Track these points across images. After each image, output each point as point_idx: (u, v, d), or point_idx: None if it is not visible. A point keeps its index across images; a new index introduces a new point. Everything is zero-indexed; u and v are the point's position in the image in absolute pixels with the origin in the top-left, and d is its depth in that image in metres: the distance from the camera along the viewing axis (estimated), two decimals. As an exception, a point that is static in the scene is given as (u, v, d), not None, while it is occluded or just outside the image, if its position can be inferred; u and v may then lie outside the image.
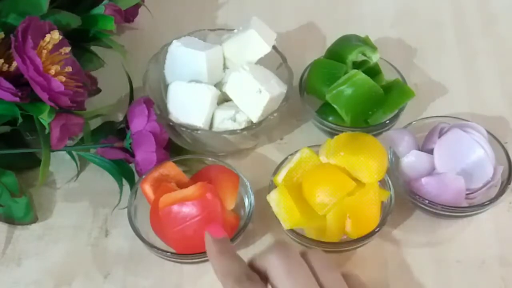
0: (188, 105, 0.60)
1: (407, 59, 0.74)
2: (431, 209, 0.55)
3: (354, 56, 0.64)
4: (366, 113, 0.62)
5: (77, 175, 0.62)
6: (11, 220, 0.58)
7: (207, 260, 0.53)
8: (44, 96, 0.51)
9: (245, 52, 0.62)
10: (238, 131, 0.60)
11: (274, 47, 0.64)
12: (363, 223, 0.53)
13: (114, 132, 0.62)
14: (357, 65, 0.64)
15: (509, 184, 0.56)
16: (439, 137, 0.58)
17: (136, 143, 0.57)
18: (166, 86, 0.63)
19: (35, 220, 0.58)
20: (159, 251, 0.52)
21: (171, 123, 0.60)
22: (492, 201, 0.55)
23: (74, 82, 0.55)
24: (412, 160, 0.57)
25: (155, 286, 0.54)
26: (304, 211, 0.52)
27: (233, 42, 0.63)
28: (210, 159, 0.59)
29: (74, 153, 0.62)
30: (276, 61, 0.65)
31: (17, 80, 0.52)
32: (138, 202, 0.55)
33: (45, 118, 0.52)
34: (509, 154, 0.58)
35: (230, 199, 0.55)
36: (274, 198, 0.53)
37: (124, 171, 0.60)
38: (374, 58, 0.64)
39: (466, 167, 0.56)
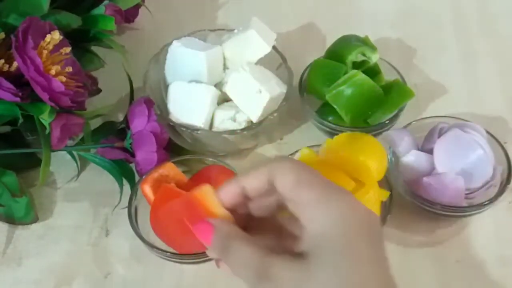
0: (188, 105, 0.60)
1: (407, 59, 0.74)
2: (431, 209, 0.55)
3: (354, 56, 0.64)
4: (366, 113, 0.63)
5: (78, 175, 0.62)
6: (11, 220, 0.58)
7: (207, 260, 0.53)
8: (44, 96, 0.51)
9: (245, 52, 0.62)
10: (238, 131, 0.60)
11: (274, 47, 0.64)
12: (363, 223, 0.53)
13: (115, 132, 0.62)
14: (357, 65, 0.64)
15: (509, 183, 0.56)
16: (439, 137, 0.58)
17: (136, 143, 0.57)
18: (166, 86, 0.63)
19: (35, 220, 0.58)
20: (159, 251, 0.52)
21: (171, 123, 0.60)
22: (491, 201, 0.55)
23: (75, 82, 0.55)
24: (411, 160, 0.57)
25: (155, 286, 0.54)
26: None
27: (233, 42, 0.63)
28: (210, 159, 0.59)
29: (74, 153, 0.62)
30: (276, 61, 0.65)
31: (18, 80, 0.53)
32: (138, 202, 0.55)
33: (45, 118, 0.52)
34: (508, 154, 0.58)
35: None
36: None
37: (124, 171, 0.60)
38: (374, 58, 0.64)
39: (465, 167, 0.56)
